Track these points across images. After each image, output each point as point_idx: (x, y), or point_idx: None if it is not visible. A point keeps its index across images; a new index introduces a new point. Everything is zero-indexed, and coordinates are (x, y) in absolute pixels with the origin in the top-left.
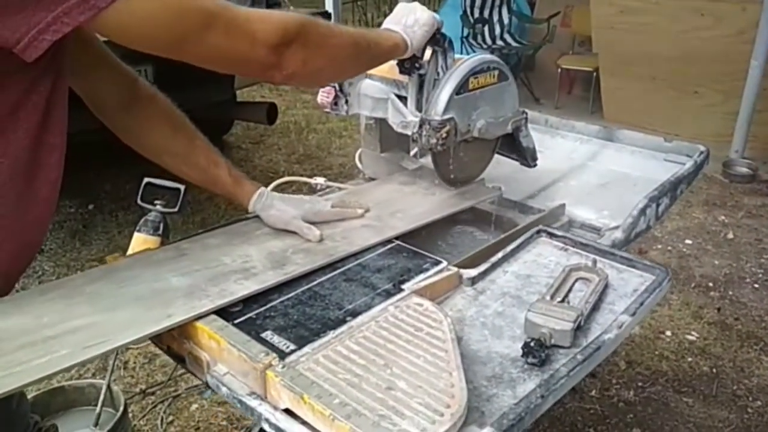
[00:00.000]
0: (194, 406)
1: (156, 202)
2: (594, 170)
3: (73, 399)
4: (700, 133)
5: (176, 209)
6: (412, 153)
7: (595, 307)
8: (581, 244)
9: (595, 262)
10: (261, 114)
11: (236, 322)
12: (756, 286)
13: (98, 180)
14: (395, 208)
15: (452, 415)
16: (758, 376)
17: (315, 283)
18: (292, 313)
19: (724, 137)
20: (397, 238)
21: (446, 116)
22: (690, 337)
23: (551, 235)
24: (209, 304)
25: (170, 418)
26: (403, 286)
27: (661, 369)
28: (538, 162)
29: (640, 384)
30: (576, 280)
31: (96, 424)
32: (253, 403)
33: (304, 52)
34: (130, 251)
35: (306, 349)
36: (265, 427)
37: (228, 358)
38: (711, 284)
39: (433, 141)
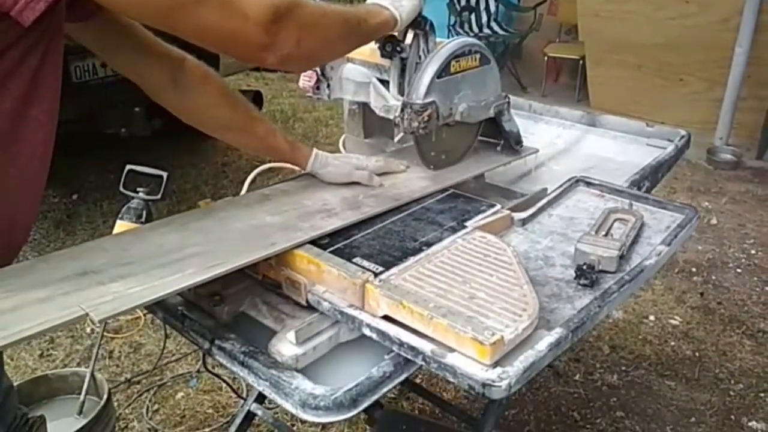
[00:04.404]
0: (180, 395)
1: (139, 189)
2: (577, 155)
3: (57, 388)
4: (686, 120)
5: (159, 196)
6: (396, 139)
7: (635, 241)
8: (616, 190)
9: (631, 204)
10: None
11: (329, 250)
12: (739, 270)
13: (82, 170)
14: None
15: (529, 316)
16: (740, 360)
17: (388, 221)
18: (374, 244)
19: (709, 124)
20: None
21: (428, 100)
22: (673, 322)
23: (588, 184)
24: (304, 235)
25: (156, 406)
26: (465, 224)
27: (644, 353)
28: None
29: (623, 368)
30: (615, 221)
31: (80, 413)
32: (354, 312)
33: (298, 32)
34: None
35: (393, 270)
36: (366, 332)
37: (327, 279)
38: (694, 269)
39: (415, 124)
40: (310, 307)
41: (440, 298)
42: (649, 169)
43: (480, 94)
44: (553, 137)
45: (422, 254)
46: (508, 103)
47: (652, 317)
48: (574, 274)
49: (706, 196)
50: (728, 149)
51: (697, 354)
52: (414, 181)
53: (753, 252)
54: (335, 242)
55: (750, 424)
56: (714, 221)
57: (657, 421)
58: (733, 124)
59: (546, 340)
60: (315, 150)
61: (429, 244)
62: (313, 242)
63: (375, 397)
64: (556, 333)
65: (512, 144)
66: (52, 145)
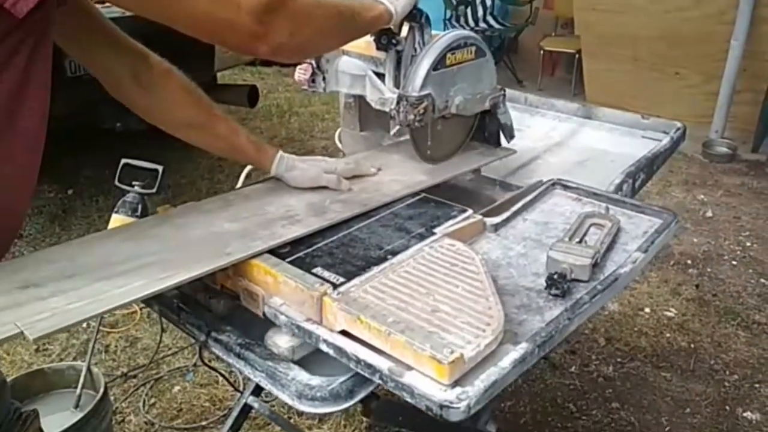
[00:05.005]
0: (176, 388)
1: (134, 183)
2: (573, 148)
3: (53, 381)
4: (681, 113)
5: (154, 190)
6: (392, 132)
7: (610, 248)
8: (594, 194)
9: (607, 209)
10: (242, 96)
11: (288, 260)
12: (734, 263)
13: (77, 165)
14: (410, 168)
15: (493, 331)
16: (735, 351)
17: (354, 228)
18: (337, 253)
19: (704, 118)
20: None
21: (424, 92)
22: (668, 314)
23: (565, 187)
24: (262, 244)
25: (152, 400)
26: (434, 230)
27: (639, 345)
28: (515, 140)
29: (619, 360)
30: (590, 226)
31: (77, 406)
32: (310, 327)
33: (291, 23)
34: None
35: (354, 281)
36: (323, 347)
37: (284, 290)
38: (690, 261)
39: (411, 117)
40: None
41: (401, 312)
42: (645, 161)
43: (476, 87)
44: (548, 130)
45: (386, 263)
46: (504, 95)
47: (647, 309)
48: (545, 284)
49: (702, 189)
50: (724, 142)
51: (692, 345)
52: (385, 184)
53: (748, 244)
54: (296, 251)
55: (745, 414)
56: (709, 214)
57: (652, 412)
58: (729, 117)
59: (510, 356)
60: (280, 152)
61: (394, 253)
62: (273, 251)
63: (371, 388)
64: (521, 348)
65: (506, 136)
66: (45, 136)
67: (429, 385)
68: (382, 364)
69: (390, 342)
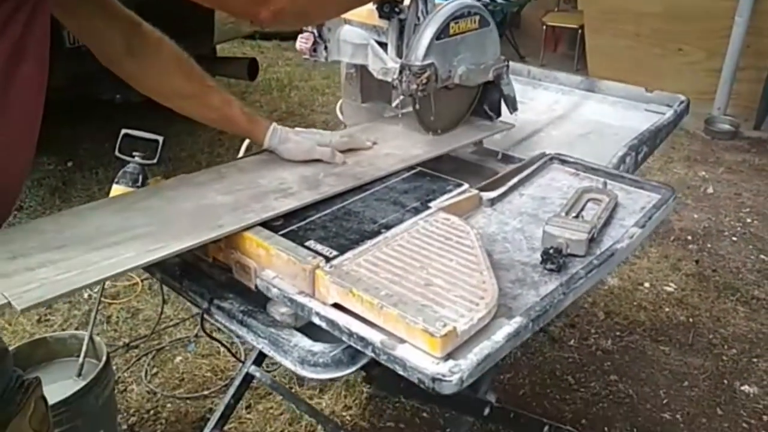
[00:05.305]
0: (178, 359)
1: (134, 153)
2: (575, 121)
3: (56, 350)
4: (684, 90)
5: (155, 161)
6: (394, 103)
7: (607, 223)
8: (591, 168)
9: (605, 184)
10: (242, 69)
11: (281, 233)
12: (734, 239)
13: (77, 137)
14: (408, 141)
15: (486, 305)
16: (734, 326)
17: (348, 202)
18: (330, 226)
19: (707, 95)
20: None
21: (426, 62)
22: (668, 289)
23: (563, 162)
24: (255, 217)
25: (154, 370)
26: (429, 204)
27: (638, 319)
28: (518, 112)
29: (618, 333)
30: (588, 201)
31: (79, 374)
32: (303, 300)
33: None
34: None
35: (348, 254)
36: (315, 320)
37: (276, 263)
38: (690, 237)
39: (414, 87)
40: None
41: (394, 285)
42: (648, 134)
43: (479, 57)
44: (551, 103)
45: (380, 237)
46: (507, 66)
47: (647, 284)
48: (540, 258)
49: (703, 165)
50: (726, 119)
51: (691, 320)
52: (380, 158)
53: (749, 221)
54: (289, 224)
55: (743, 388)
56: (710, 190)
57: (650, 385)
58: (732, 94)
59: (504, 330)
60: (273, 124)
61: (388, 227)
62: (265, 224)
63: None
64: (515, 323)
65: (509, 108)
66: (42, 103)
67: (421, 358)
68: (374, 337)
69: (382, 315)
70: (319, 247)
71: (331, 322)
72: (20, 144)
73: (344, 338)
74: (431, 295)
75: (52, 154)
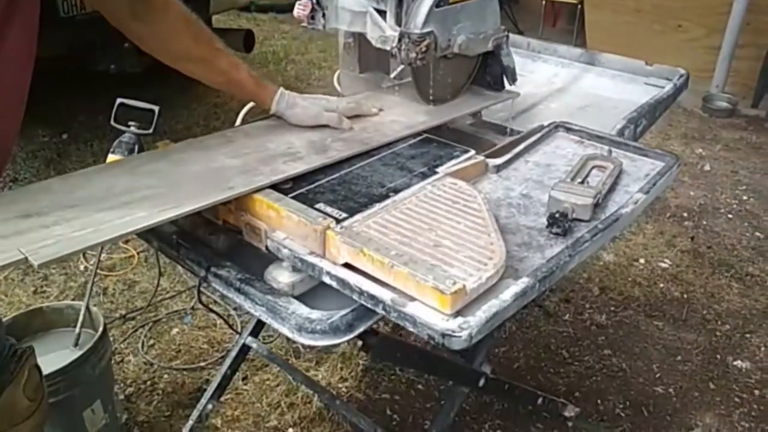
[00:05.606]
0: (175, 331)
1: (130, 123)
2: (575, 93)
3: (52, 320)
4: (682, 67)
5: (151, 131)
6: (392, 74)
7: (612, 189)
8: (596, 136)
9: (610, 151)
10: (238, 41)
11: (290, 196)
12: (730, 216)
13: (71, 109)
14: (410, 110)
15: (495, 265)
16: (727, 302)
17: (355, 167)
18: (339, 189)
19: (705, 72)
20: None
21: (426, 30)
22: (663, 265)
23: (568, 130)
24: (265, 179)
25: (151, 341)
26: (437, 170)
27: (633, 294)
28: (518, 85)
29: (612, 308)
30: (592, 168)
31: (76, 344)
32: (314, 260)
33: None
34: None
35: (357, 216)
36: (326, 280)
37: (287, 225)
38: (686, 214)
39: (413, 55)
40: None
41: (403, 246)
42: (647, 108)
43: (479, 26)
44: (550, 76)
45: (389, 201)
46: (507, 36)
47: (642, 260)
48: (546, 223)
49: (701, 143)
50: (724, 97)
51: (685, 296)
52: (386, 124)
53: (745, 198)
54: (298, 187)
55: (735, 363)
56: (707, 168)
57: (643, 359)
58: (730, 71)
59: (512, 290)
60: (281, 89)
61: (397, 191)
62: (275, 187)
63: (371, 322)
64: (522, 282)
65: (509, 79)
66: (30, 74)
67: (431, 314)
68: (384, 295)
69: (393, 274)
70: (328, 210)
71: (341, 281)
72: (5, 116)
73: (355, 297)
74: (440, 256)
75: (46, 127)
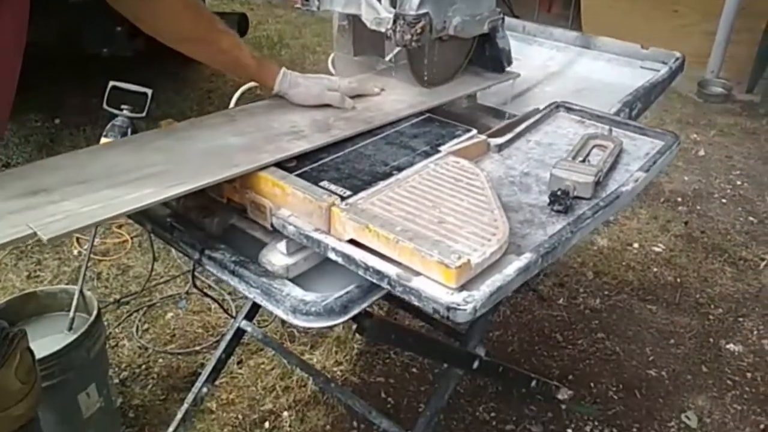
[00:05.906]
0: (169, 315)
1: (123, 106)
2: (570, 77)
3: (46, 304)
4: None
5: (143, 114)
6: (387, 57)
7: (612, 168)
8: (597, 116)
9: (610, 130)
10: (232, 25)
11: (295, 174)
12: (724, 201)
13: (64, 94)
14: (409, 90)
15: (498, 240)
16: (721, 286)
17: (359, 145)
18: (343, 168)
19: (700, 57)
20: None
21: (421, 11)
22: (656, 249)
23: (569, 109)
24: (269, 157)
25: (146, 326)
26: (439, 148)
27: (627, 279)
28: (512, 68)
29: (606, 292)
30: (593, 147)
31: (70, 328)
32: (319, 236)
33: None
34: None
35: (361, 194)
36: (332, 256)
37: (292, 202)
38: (680, 199)
39: (408, 37)
40: None
41: (408, 222)
42: (642, 91)
43: (474, 9)
44: (545, 59)
45: (392, 179)
46: (503, 19)
47: (636, 245)
48: (548, 200)
49: (695, 128)
50: (719, 82)
51: (678, 280)
52: (388, 104)
53: (738, 183)
54: (302, 165)
55: (728, 346)
56: (702, 153)
57: (637, 342)
58: (725, 57)
59: (515, 265)
60: (283, 68)
61: (400, 169)
62: (279, 165)
63: (365, 304)
64: (525, 258)
65: (504, 62)
66: (20, 58)
67: (436, 288)
68: (390, 270)
69: (398, 249)
70: (333, 187)
71: (347, 257)
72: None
73: (360, 272)
74: (444, 232)
75: (38, 111)
